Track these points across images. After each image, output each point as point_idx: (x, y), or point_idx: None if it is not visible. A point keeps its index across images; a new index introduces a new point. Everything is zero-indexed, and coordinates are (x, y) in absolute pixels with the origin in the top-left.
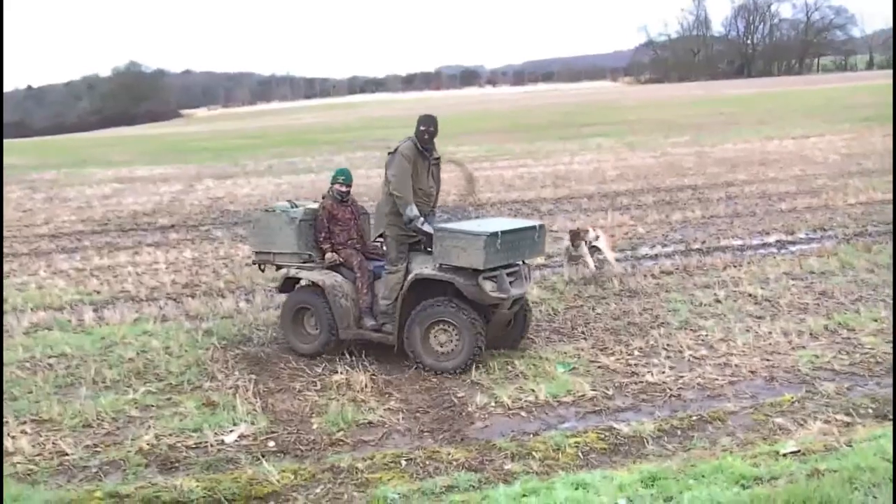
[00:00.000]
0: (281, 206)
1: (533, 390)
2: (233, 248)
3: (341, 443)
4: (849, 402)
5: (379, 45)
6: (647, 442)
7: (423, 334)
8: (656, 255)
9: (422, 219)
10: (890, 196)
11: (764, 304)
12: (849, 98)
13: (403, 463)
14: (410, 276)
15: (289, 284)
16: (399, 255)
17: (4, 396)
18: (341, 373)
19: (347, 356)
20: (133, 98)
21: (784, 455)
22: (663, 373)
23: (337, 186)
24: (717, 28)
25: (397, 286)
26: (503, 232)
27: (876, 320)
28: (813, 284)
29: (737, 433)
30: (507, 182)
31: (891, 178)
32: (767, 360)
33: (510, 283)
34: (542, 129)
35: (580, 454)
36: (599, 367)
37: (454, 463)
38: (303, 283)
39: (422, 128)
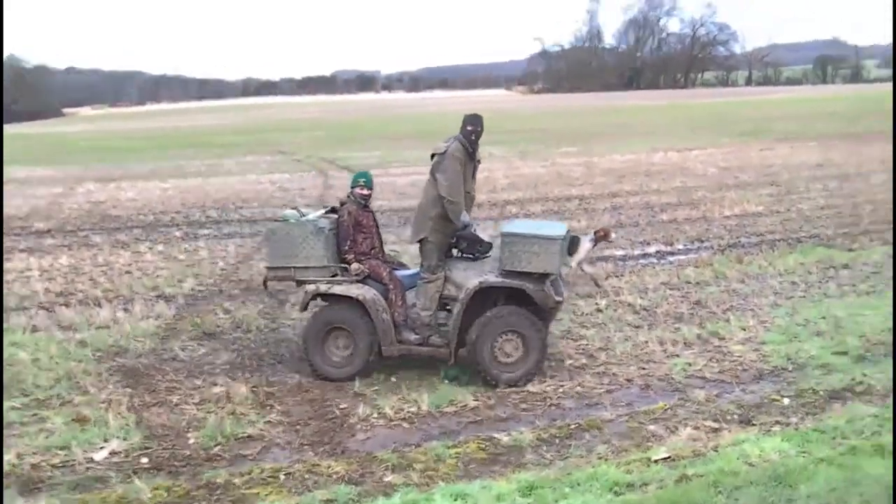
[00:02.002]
0: (290, 214)
1: (416, 401)
2: (113, 254)
3: (218, 458)
4: (717, 408)
5: (274, 47)
6: (527, 451)
7: (490, 345)
8: None
9: (474, 224)
10: (761, 209)
11: (642, 314)
12: (729, 112)
13: (282, 477)
14: (474, 285)
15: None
16: (438, 263)
17: None
18: (221, 385)
19: (228, 367)
20: (11, 94)
21: (655, 461)
22: (544, 382)
23: (358, 190)
24: (608, 40)
25: (437, 295)
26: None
27: (744, 329)
28: (688, 294)
29: (612, 441)
30: (399, 189)
31: (763, 191)
32: (643, 368)
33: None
34: (437, 136)
35: (461, 465)
36: (482, 377)
37: (334, 476)
38: (318, 300)
39: (469, 128)
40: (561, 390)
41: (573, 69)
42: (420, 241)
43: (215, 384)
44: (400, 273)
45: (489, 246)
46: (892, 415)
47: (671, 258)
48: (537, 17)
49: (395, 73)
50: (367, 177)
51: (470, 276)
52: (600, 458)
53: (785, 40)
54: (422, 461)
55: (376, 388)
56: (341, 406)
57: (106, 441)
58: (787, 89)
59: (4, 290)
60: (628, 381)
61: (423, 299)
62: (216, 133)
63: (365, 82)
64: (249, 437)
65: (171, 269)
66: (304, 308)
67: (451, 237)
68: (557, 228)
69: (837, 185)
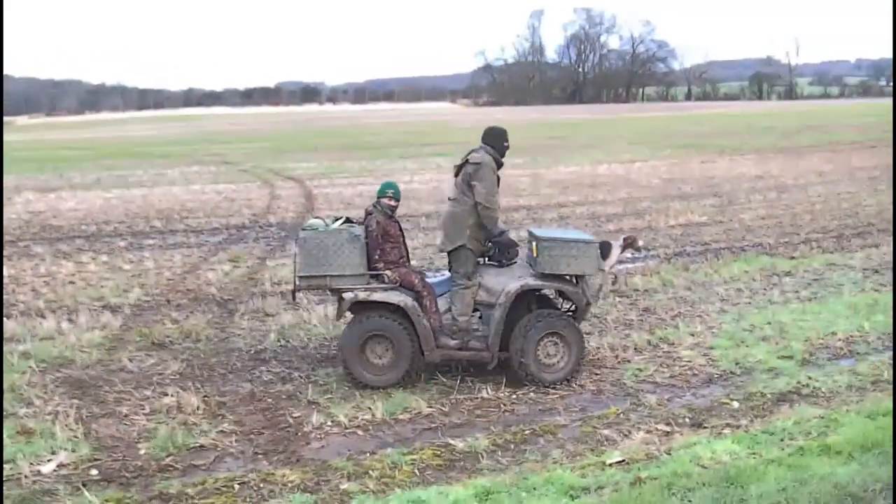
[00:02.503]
0: (316, 223)
1: (370, 408)
2: (55, 265)
3: (170, 468)
4: (668, 412)
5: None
6: (482, 457)
7: (534, 347)
8: None
9: (508, 231)
10: (704, 218)
11: (593, 321)
12: (670, 126)
13: (236, 487)
14: (516, 288)
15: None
16: (473, 269)
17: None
18: (171, 395)
19: (178, 377)
20: None
21: (610, 465)
22: (498, 388)
23: (386, 201)
24: (550, 55)
25: (472, 300)
26: None
27: (693, 335)
28: (637, 301)
29: (567, 445)
30: (346, 200)
31: (706, 202)
32: (596, 374)
33: None
34: (382, 147)
35: (416, 471)
36: (436, 383)
37: (289, 485)
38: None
39: (505, 143)
40: (515, 396)
41: (517, 83)
42: (455, 249)
43: (165, 394)
44: (429, 280)
45: (516, 252)
46: (892, 416)
47: (619, 267)
48: (480, 31)
49: (340, 85)
50: (396, 188)
51: (502, 282)
52: (555, 462)
53: (721, 57)
54: (377, 468)
55: (330, 396)
56: (295, 415)
57: (53, 453)
58: (724, 104)
59: None
60: (581, 386)
61: (459, 305)
62: (159, 143)
63: (309, 94)
64: (202, 447)
65: (115, 280)
66: (341, 316)
67: (485, 244)
68: (580, 233)
69: (776, 196)
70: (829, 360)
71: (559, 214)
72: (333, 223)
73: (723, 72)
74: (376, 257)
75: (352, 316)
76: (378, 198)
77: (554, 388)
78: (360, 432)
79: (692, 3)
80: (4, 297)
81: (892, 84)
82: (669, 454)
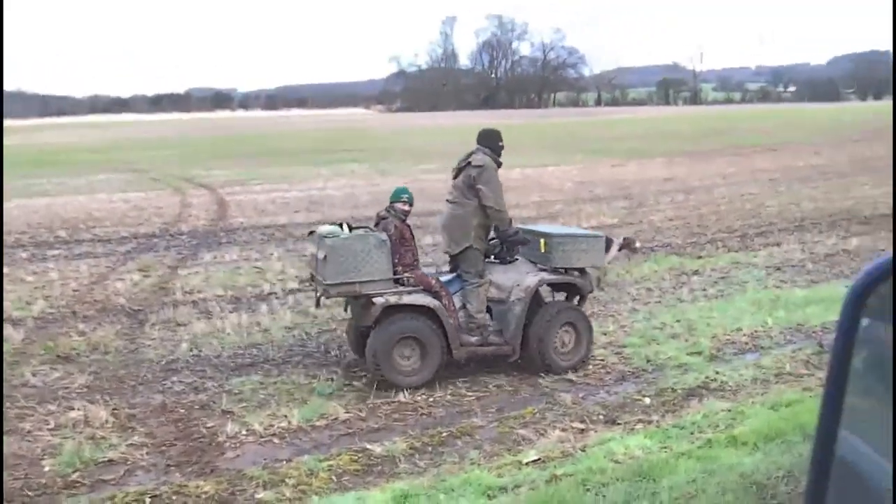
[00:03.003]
0: (331, 229)
1: (286, 416)
2: None
3: (77, 484)
4: (583, 410)
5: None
6: (400, 461)
7: (553, 337)
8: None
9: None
10: (615, 220)
11: None
12: (581, 131)
13: (148, 500)
14: (535, 282)
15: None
16: (483, 267)
17: None
18: (78, 409)
19: (85, 390)
20: None
21: (526, 464)
22: (416, 392)
23: (400, 205)
24: (464, 62)
25: (485, 297)
26: None
27: (606, 334)
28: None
29: (484, 446)
30: (259, 207)
31: (617, 204)
32: (512, 374)
33: None
34: (296, 154)
35: (333, 478)
36: (353, 389)
37: (203, 496)
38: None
39: (500, 143)
40: (432, 399)
41: (430, 89)
42: (463, 251)
43: (72, 408)
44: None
45: (518, 250)
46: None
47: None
48: (394, 37)
49: (252, 91)
50: (409, 193)
51: (512, 278)
52: (473, 463)
53: (629, 64)
54: (294, 476)
55: (244, 405)
56: (208, 425)
57: None
58: (633, 110)
59: None
60: (498, 387)
61: (475, 302)
62: (63, 151)
63: (221, 100)
64: (111, 461)
65: (17, 292)
66: (376, 322)
67: (488, 243)
68: (579, 229)
69: (684, 198)
70: (735, 355)
71: None
72: (346, 230)
73: (631, 78)
74: (395, 261)
75: (349, 317)
76: (392, 202)
77: (470, 389)
78: (275, 440)
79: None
80: None
81: (788, 89)
82: (584, 451)
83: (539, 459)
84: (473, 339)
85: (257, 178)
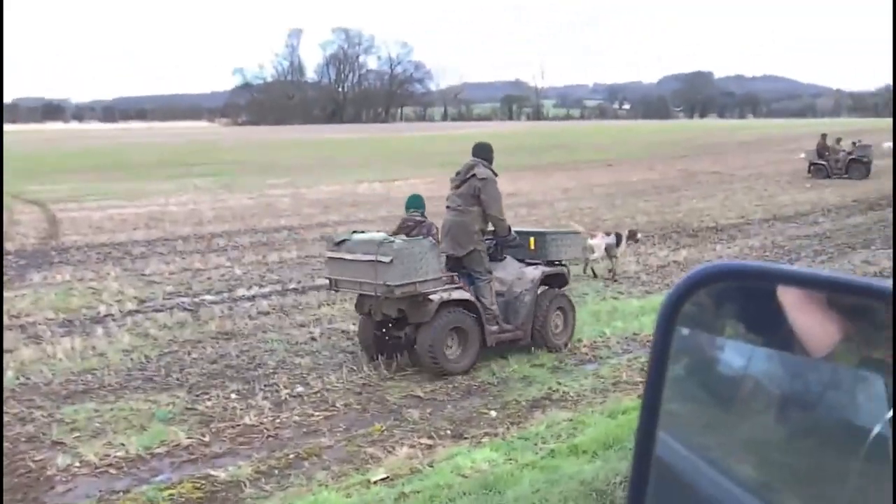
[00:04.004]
0: (371, 236)
1: (123, 444)
2: None
3: None
4: (431, 426)
5: None
6: (245, 485)
7: (549, 320)
8: (253, 296)
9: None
10: None
11: (356, 339)
12: (428, 146)
13: None
14: (538, 273)
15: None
16: (489, 266)
17: None
18: None
19: None
20: None
21: (375, 483)
22: (262, 414)
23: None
24: (310, 75)
25: (494, 291)
26: None
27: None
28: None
29: (332, 466)
30: (95, 224)
31: None
32: (360, 393)
33: None
34: (135, 168)
35: None
36: (195, 413)
37: None
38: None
39: (492, 155)
40: (278, 420)
41: (276, 102)
42: (469, 253)
43: None
44: None
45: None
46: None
47: (335, 291)
48: (237, 48)
49: (87, 102)
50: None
51: (511, 273)
52: (320, 484)
53: (475, 79)
54: None
55: (78, 434)
56: (36, 458)
57: None
58: (478, 124)
59: None
60: (345, 406)
61: (488, 296)
62: None
63: (52, 111)
64: None
65: None
66: (434, 317)
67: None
68: (560, 229)
69: (527, 211)
70: (576, 366)
71: (321, 234)
72: (371, 236)
73: (476, 93)
74: None
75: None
76: (419, 210)
77: (318, 409)
78: (112, 471)
79: (447, 26)
80: None
81: (623, 107)
82: (432, 466)
83: (387, 477)
84: (494, 329)
85: (93, 193)
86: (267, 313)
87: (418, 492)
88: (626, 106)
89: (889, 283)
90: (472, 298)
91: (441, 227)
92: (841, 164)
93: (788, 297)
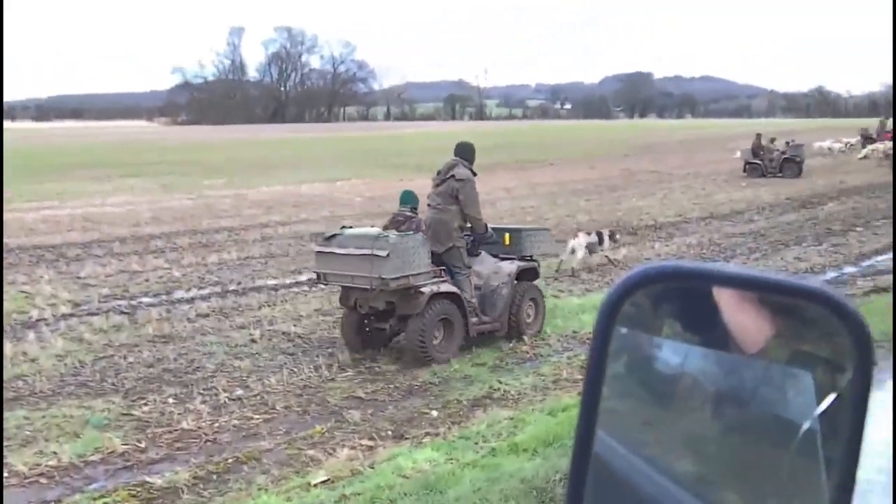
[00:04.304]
0: (374, 231)
1: (55, 453)
2: None
3: None
4: (372, 427)
5: None
6: (183, 492)
7: (522, 310)
8: (192, 298)
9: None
10: None
11: (297, 341)
12: (371, 146)
13: None
14: (513, 267)
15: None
16: (468, 261)
17: None
18: None
19: None
20: None
21: (315, 485)
22: (200, 418)
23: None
24: (252, 74)
25: (473, 284)
26: None
27: (394, 349)
28: (339, 319)
29: (272, 470)
30: (27, 226)
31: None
32: (300, 395)
33: None
34: (71, 169)
35: None
36: (132, 419)
37: None
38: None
39: (474, 156)
40: (217, 424)
41: (217, 101)
42: (448, 249)
43: None
44: None
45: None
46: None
47: (322, 285)
48: (176, 46)
49: (19, 101)
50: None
51: (487, 267)
52: (260, 488)
53: (418, 79)
54: None
55: (7, 443)
56: None
57: None
58: (422, 124)
59: None
60: (286, 408)
61: (468, 289)
62: None
63: None
64: None
65: None
66: (424, 309)
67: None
68: (530, 226)
69: None
70: (517, 364)
71: (262, 235)
72: (365, 231)
73: (419, 93)
74: None
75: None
76: (411, 206)
77: (258, 412)
78: (43, 480)
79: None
80: None
81: (565, 107)
82: (373, 468)
83: (328, 480)
84: (474, 320)
85: (26, 195)
86: (206, 315)
87: (359, 494)
88: (568, 106)
89: (818, 282)
90: (457, 291)
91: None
92: (775, 164)
93: (723, 296)
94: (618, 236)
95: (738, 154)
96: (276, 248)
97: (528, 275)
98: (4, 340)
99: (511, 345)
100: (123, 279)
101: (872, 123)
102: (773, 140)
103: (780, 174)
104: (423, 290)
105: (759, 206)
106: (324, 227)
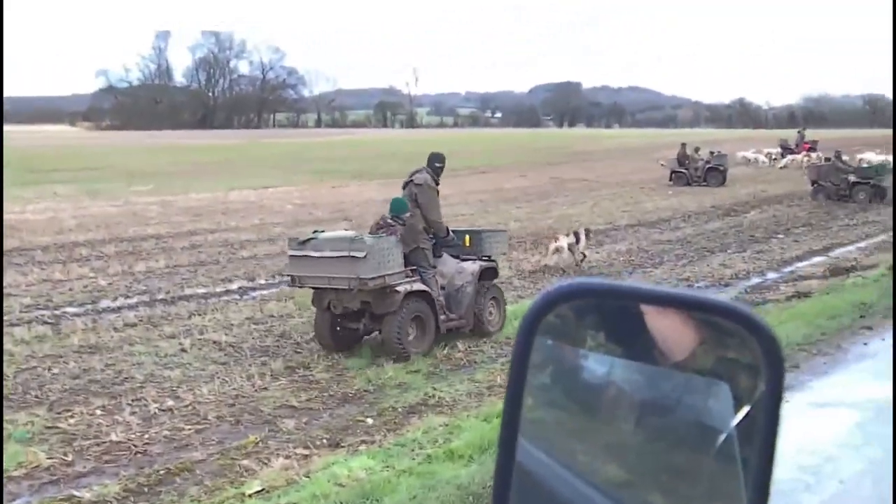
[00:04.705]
0: (348, 234)
1: None
2: None
3: None
4: (307, 435)
5: None
6: None
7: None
8: (119, 307)
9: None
10: None
11: (228, 350)
12: (301, 153)
13: None
14: (476, 267)
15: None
16: (433, 261)
17: None
18: None
19: None
20: None
21: (250, 496)
22: (129, 429)
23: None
24: (179, 79)
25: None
26: None
27: (327, 357)
28: (273, 328)
29: (205, 481)
30: None
31: (338, 226)
32: (233, 405)
33: None
34: None
35: None
36: (57, 431)
37: None
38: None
39: (437, 164)
40: (147, 436)
41: (143, 106)
42: (413, 250)
43: None
44: None
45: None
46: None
47: (254, 293)
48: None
49: None
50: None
51: (450, 267)
52: (193, 500)
53: (348, 86)
54: None
55: None
56: None
57: None
58: (352, 131)
59: None
60: (218, 418)
61: (434, 289)
62: None
63: None
64: None
65: None
66: (400, 307)
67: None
68: (489, 228)
69: None
70: (451, 371)
71: (191, 243)
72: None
73: (350, 100)
74: None
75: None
76: (399, 214)
77: (189, 422)
78: None
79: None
80: None
81: (495, 115)
82: (309, 477)
83: (263, 490)
84: (443, 317)
85: None
86: (134, 325)
87: (294, 503)
88: (499, 114)
89: (729, 299)
90: (429, 290)
91: None
92: (700, 172)
93: (649, 307)
94: (591, 234)
95: (664, 163)
96: (205, 256)
97: (488, 274)
98: None
99: (445, 352)
100: (46, 288)
101: (791, 135)
102: (697, 150)
103: (704, 183)
104: (398, 289)
105: (685, 213)
106: (254, 235)
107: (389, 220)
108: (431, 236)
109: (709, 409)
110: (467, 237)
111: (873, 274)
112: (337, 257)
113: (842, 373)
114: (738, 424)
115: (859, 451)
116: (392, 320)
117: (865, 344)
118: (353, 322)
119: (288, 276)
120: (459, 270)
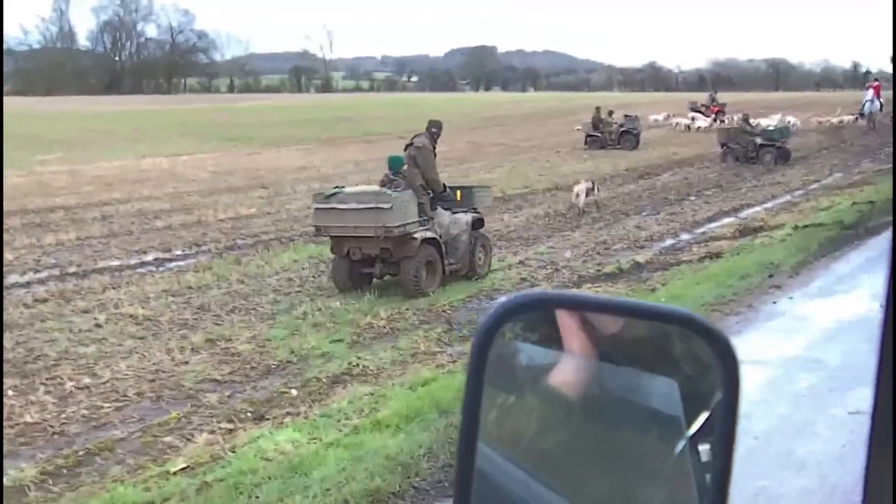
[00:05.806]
0: (339, 189)
1: None
2: None
3: None
4: (230, 409)
5: None
6: (30, 489)
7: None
8: (28, 282)
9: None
10: (253, 210)
11: (146, 324)
12: (214, 119)
13: None
14: (469, 218)
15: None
16: (431, 214)
17: None
18: None
19: None
20: None
21: (174, 473)
22: (45, 410)
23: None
24: (83, 42)
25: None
26: None
27: (249, 328)
28: (191, 300)
29: (127, 460)
30: None
31: (254, 194)
32: (152, 380)
33: None
34: None
35: None
36: None
37: None
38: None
39: (434, 130)
40: (63, 416)
41: (46, 71)
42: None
43: None
44: None
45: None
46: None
47: (170, 265)
48: None
49: None
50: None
51: (446, 218)
52: (115, 480)
53: (261, 50)
54: None
55: None
56: None
57: None
58: (267, 97)
59: None
60: (138, 395)
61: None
62: None
63: None
64: None
65: None
66: (416, 252)
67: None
68: (476, 184)
69: (320, 185)
70: (375, 339)
71: (102, 213)
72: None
73: (263, 64)
74: None
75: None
76: (398, 169)
77: (108, 400)
78: None
79: None
80: None
81: (412, 79)
82: (234, 452)
83: (188, 467)
84: (446, 262)
85: None
86: (45, 301)
87: (221, 480)
88: (415, 78)
89: (687, 309)
90: (437, 237)
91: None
92: (614, 136)
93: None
94: (599, 186)
95: (579, 127)
96: (117, 228)
97: (477, 224)
98: None
99: (367, 320)
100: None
101: (701, 97)
102: (611, 113)
103: (618, 146)
104: (415, 236)
105: (601, 176)
106: (168, 205)
107: (392, 176)
108: (429, 192)
109: (658, 406)
110: (458, 192)
111: (779, 234)
112: (363, 209)
113: (753, 331)
114: (692, 423)
115: (772, 407)
116: (410, 263)
117: (774, 303)
118: (368, 267)
119: (314, 226)
120: (454, 221)
